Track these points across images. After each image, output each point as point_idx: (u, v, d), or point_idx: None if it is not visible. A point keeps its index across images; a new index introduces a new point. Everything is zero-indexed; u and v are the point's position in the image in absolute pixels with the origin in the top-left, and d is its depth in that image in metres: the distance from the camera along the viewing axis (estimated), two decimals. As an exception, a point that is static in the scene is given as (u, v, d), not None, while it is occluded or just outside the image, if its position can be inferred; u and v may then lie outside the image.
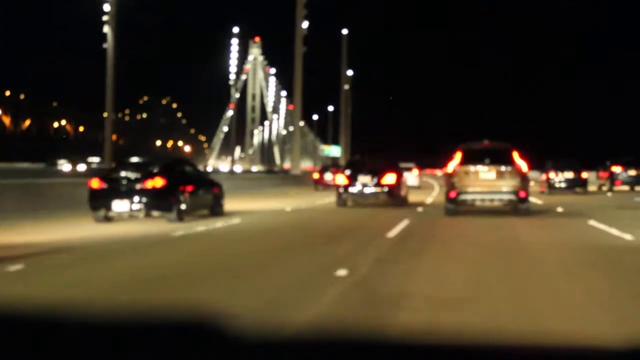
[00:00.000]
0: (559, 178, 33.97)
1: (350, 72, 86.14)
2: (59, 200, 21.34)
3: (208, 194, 19.62)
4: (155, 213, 17.57)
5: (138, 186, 17.38)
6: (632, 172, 36.92)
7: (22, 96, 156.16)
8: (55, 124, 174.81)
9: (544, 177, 35.16)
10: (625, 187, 36.84)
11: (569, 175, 33.93)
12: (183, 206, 17.81)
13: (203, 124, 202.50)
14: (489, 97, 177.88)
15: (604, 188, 37.87)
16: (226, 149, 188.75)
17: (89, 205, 17.64)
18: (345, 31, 77.10)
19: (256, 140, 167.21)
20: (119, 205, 17.29)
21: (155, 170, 17.87)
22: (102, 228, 16.24)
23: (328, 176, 39.58)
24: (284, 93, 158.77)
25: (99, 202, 17.47)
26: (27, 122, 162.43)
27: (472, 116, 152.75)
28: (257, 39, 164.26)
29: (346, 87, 78.89)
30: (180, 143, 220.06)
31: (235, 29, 69.32)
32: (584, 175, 34.11)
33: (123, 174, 17.96)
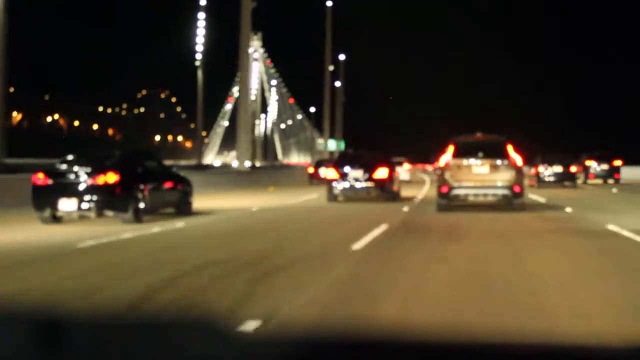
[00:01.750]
0: (548, 172, 35.62)
1: (342, 57, 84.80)
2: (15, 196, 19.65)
3: (173, 191, 17.97)
4: (108, 213, 15.83)
5: (88, 182, 15.66)
6: (604, 166, 40.51)
7: (11, 89, 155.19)
8: (49, 119, 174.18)
9: (533, 171, 36.63)
10: (599, 181, 40.28)
11: (558, 169, 35.62)
12: (142, 205, 16.14)
13: (204, 118, 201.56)
14: (481, 91, 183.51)
15: (579, 181, 39.60)
16: (229, 144, 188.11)
17: (32, 204, 15.93)
18: (329, 3, 72.55)
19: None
20: (66, 204, 15.55)
21: (109, 164, 16.16)
22: (36, 230, 14.52)
23: (323, 171, 38.69)
24: (273, 82, 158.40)
25: (43, 200, 15.76)
26: (19, 117, 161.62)
27: (463, 111, 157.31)
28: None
29: (331, 68, 75.70)
30: (180, 138, 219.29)
31: (203, 1, 65.30)
32: (573, 169, 35.78)
33: (72, 168, 16.23)
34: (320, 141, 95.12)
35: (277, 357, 1.28)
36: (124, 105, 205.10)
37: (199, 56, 62.72)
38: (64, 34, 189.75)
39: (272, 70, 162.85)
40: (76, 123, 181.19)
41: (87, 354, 1.32)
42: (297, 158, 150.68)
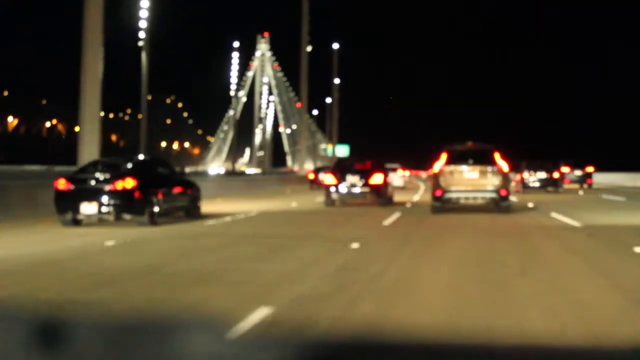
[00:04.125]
0: (533, 178, 39.52)
1: (336, 45, 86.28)
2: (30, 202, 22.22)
3: (183, 196, 20.53)
4: (126, 216, 18.23)
5: (107, 187, 17.98)
6: (578, 172, 46.81)
7: (5, 93, 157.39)
8: (47, 124, 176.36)
9: (518, 177, 40.33)
10: (575, 186, 46.19)
11: (542, 175, 39.52)
12: (156, 208, 18.61)
13: (211, 124, 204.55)
14: (473, 101, 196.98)
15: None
16: (238, 150, 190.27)
17: (55, 208, 18.33)
18: None
19: (257, 140, 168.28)
20: (87, 208, 17.90)
21: (126, 170, 18.60)
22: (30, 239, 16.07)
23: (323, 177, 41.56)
24: (265, 79, 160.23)
25: (65, 204, 18.10)
26: (15, 122, 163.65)
27: (456, 119, 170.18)
28: (266, 33, 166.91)
29: (308, 48, 75.02)
30: (187, 144, 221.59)
31: None
32: (555, 175, 39.77)
33: (92, 174, 18.60)
34: (322, 146, 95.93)
35: (274, 358, 1.37)
36: (128, 111, 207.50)
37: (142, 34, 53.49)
38: (62, 36, 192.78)
39: (280, 74, 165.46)
40: (77, 129, 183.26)
41: (87, 354, 1.41)
42: (306, 164, 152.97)
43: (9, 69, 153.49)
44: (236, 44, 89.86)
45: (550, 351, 1.41)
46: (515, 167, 39.03)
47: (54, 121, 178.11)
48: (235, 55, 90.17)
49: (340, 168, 27.50)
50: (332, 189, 26.72)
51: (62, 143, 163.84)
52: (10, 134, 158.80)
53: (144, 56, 51.85)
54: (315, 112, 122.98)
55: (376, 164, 27.56)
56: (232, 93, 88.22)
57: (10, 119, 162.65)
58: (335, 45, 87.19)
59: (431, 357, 1.44)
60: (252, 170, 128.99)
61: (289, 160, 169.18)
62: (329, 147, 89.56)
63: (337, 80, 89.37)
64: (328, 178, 27.20)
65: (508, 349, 1.43)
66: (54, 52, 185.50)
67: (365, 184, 26.35)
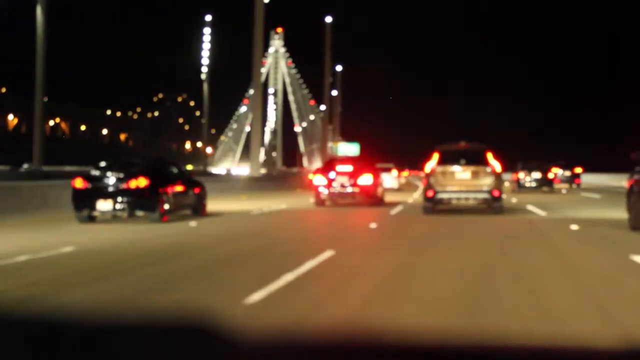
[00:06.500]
0: (528, 178, 42.85)
1: (329, 19, 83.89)
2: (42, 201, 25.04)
3: (191, 194, 23.25)
4: (139, 213, 21.03)
5: (122, 186, 20.66)
6: (567, 173, 53.34)
7: (3, 89, 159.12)
8: (51, 122, 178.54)
9: (514, 177, 43.68)
10: (565, 185, 52.63)
11: (537, 175, 42.84)
12: (166, 206, 21.29)
13: (224, 123, 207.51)
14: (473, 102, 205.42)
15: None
16: (249, 151, 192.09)
17: (72, 205, 20.92)
18: None
19: (266, 139, 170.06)
20: (103, 205, 20.57)
21: (139, 170, 21.26)
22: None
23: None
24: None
25: (82, 202, 20.74)
26: (15, 121, 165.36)
27: (455, 119, 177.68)
28: (280, 29, 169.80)
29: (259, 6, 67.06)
30: (199, 144, 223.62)
31: None
32: (550, 175, 43.20)
33: (107, 173, 21.24)
34: (330, 144, 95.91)
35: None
36: (138, 109, 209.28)
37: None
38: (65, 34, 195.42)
39: (294, 71, 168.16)
40: (82, 127, 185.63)
41: (82, 354, 1.46)
42: (315, 164, 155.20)
43: (7, 65, 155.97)
44: (208, 18, 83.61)
45: (548, 351, 1.47)
46: (510, 168, 42.13)
47: (57, 119, 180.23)
48: (207, 32, 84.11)
49: (330, 168, 29.15)
50: (322, 189, 28.59)
51: (66, 142, 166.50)
52: (10, 133, 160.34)
53: (39, 11, 45.24)
54: (322, 107, 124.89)
55: (366, 164, 29.28)
56: (203, 76, 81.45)
57: (10, 117, 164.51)
58: (329, 19, 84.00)
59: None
60: (240, 171, 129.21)
61: (305, 161, 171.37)
62: (335, 145, 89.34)
63: (339, 67, 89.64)
64: (317, 178, 29.00)
65: (508, 350, 1.49)
66: (52, 48, 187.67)
67: (354, 184, 28.09)
